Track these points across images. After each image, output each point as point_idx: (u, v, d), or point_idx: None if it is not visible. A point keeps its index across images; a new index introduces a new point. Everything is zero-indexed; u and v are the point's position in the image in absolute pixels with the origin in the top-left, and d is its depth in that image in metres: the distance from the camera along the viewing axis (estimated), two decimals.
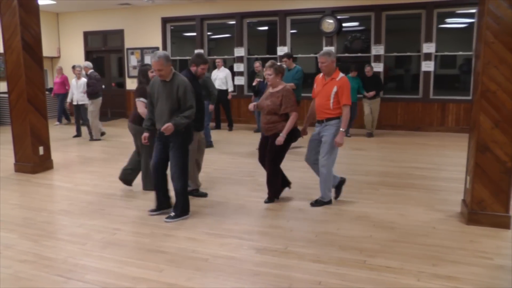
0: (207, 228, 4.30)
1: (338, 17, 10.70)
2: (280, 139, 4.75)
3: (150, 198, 4.84)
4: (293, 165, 6.06)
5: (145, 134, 4.66)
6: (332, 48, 10.72)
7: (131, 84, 12.53)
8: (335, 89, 4.70)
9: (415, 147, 8.33)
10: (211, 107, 7.87)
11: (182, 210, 4.57)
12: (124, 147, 8.38)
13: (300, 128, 5.02)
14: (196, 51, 10.92)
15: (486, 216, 4.21)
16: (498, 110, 4.08)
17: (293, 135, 4.91)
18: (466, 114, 9.74)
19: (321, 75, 4.92)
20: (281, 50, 11.07)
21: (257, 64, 7.29)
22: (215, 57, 11.80)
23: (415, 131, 9.95)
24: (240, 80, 11.80)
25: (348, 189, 5.48)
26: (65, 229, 4.37)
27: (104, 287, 3.18)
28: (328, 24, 10.69)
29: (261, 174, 6.03)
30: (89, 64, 9.83)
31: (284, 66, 6.08)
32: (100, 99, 9.27)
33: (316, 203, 4.96)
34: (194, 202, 5.04)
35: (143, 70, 5.43)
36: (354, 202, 5.03)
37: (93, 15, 13.29)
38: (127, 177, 5.56)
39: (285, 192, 5.33)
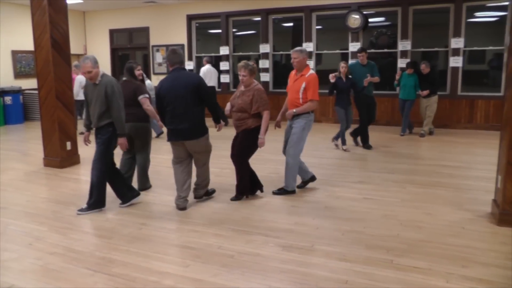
0: (233, 224, 4.30)
1: (364, 12, 10.56)
2: (261, 141, 4.83)
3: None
4: (318, 162, 6.02)
5: (86, 133, 4.90)
6: (358, 44, 10.60)
7: (156, 81, 12.62)
8: (303, 85, 4.96)
9: (443, 145, 8.16)
10: None
11: (95, 202, 4.68)
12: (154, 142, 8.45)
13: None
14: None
15: None
16: None
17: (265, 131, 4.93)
18: (496, 111, 9.47)
19: (294, 71, 5.19)
20: (307, 46, 10.98)
21: (343, 65, 7.16)
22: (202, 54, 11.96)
23: (442, 128, 9.73)
24: (266, 77, 11.77)
25: (375, 187, 5.43)
26: (92, 223, 4.44)
27: (130, 280, 3.21)
28: (354, 19, 10.55)
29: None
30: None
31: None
32: None
33: (279, 191, 5.20)
34: (219, 198, 5.06)
35: (129, 68, 5.43)
36: (380, 200, 4.95)
37: (118, 13, 13.47)
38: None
39: (310, 190, 5.30)
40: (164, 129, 5.02)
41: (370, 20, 10.71)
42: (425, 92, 8.80)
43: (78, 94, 9.70)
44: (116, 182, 4.84)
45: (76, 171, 6.60)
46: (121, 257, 3.61)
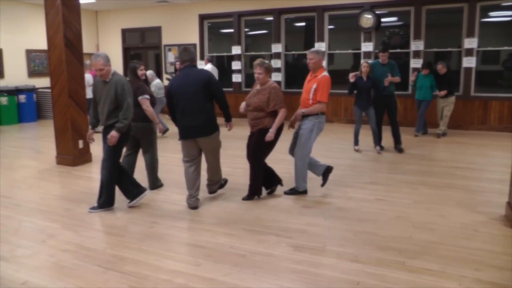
0: (245, 224, 4.30)
1: (377, 12, 10.49)
2: (270, 135, 4.75)
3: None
4: (330, 162, 5.98)
5: (90, 131, 4.87)
6: (370, 44, 10.55)
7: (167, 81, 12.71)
8: (314, 85, 4.95)
9: (456, 146, 8.08)
10: None
11: (105, 202, 4.69)
12: (161, 141, 8.51)
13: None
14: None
15: None
16: None
17: (281, 131, 4.90)
18: (510, 112, 9.35)
19: (310, 72, 5.16)
20: (319, 46, 10.96)
21: (365, 64, 7.09)
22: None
23: (455, 129, 9.63)
24: (278, 77, 11.74)
25: (387, 188, 5.40)
26: (104, 221, 4.47)
27: (142, 278, 3.23)
28: (367, 19, 10.49)
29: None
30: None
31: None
32: None
33: (291, 191, 5.21)
34: (231, 198, 5.06)
35: (132, 68, 5.43)
36: (393, 201, 4.92)
37: (131, 12, 13.55)
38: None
39: (322, 190, 5.28)
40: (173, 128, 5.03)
41: (382, 20, 10.64)
42: (443, 93, 8.70)
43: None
44: (122, 180, 4.83)
45: (88, 169, 6.65)
46: (132, 255, 3.63)
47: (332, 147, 7.90)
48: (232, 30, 12.27)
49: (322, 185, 5.28)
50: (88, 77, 10.05)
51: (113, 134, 4.49)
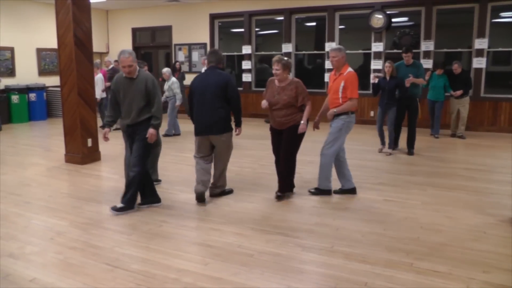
0: (253, 223, 4.30)
1: (388, 12, 10.45)
2: (302, 127, 4.79)
3: (193, 191, 4.89)
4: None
5: (106, 129, 4.73)
6: (380, 44, 10.50)
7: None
8: (342, 83, 4.87)
9: (465, 147, 8.02)
10: None
11: (129, 200, 4.60)
12: (169, 141, 8.55)
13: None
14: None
15: None
16: None
17: (308, 122, 4.90)
18: None
19: (333, 71, 5.09)
20: (329, 46, 10.94)
21: (388, 64, 7.01)
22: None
23: (465, 131, 9.54)
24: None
25: (395, 189, 5.37)
26: (112, 219, 4.48)
27: (149, 277, 3.24)
28: (378, 19, 10.45)
29: (307, 172, 6.00)
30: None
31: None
32: None
33: (315, 190, 5.17)
34: (239, 197, 5.07)
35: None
36: (401, 202, 4.90)
37: (141, 12, 13.61)
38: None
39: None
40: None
41: (393, 20, 10.59)
42: (459, 93, 8.62)
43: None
44: (144, 183, 4.73)
45: (96, 167, 6.69)
46: (140, 253, 3.64)
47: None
48: (242, 30, 12.28)
49: (335, 191, 5.21)
50: (99, 77, 10.12)
51: (152, 132, 4.53)
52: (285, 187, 5.04)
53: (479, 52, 9.65)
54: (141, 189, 4.74)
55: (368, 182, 5.68)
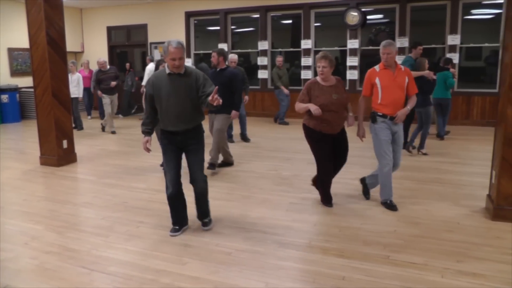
0: (231, 221, 4.30)
1: (363, 9, 10.56)
2: (353, 120, 4.56)
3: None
4: None
5: (146, 138, 3.95)
6: (356, 41, 10.60)
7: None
8: (406, 79, 4.56)
9: (439, 141, 8.16)
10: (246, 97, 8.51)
11: (204, 214, 4.17)
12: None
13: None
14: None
15: None
16: None
17: None
18: (492, 107, 9.50)
19: (377, 69, 4.58)
20: (305, 44, 11.03)
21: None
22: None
23: None
24: (264, 74, 11.77)
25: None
26: (89, 222, 4.42)
27: (127, 279, 3.21)
28: (353, 16, 10.56)
29: (285, 168, 6.02)
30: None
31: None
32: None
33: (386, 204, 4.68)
34: (217, 195, 5.05)
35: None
36: (378, 197, 4.94)
37: (116, 10, 13.43)
38: None
39: (308, 186, 5.28)
40: None
41: (368, 17, 10.71)
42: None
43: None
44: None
45: (73, 169, 6.58)
46: (118, 255, 3.60)
47: None
48: (218, 28, 12.24)
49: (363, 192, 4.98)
50: (78, 77, 9.97)
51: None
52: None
53: (452, 48, 9.85)
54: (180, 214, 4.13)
55: (344, 177, 5.70)
